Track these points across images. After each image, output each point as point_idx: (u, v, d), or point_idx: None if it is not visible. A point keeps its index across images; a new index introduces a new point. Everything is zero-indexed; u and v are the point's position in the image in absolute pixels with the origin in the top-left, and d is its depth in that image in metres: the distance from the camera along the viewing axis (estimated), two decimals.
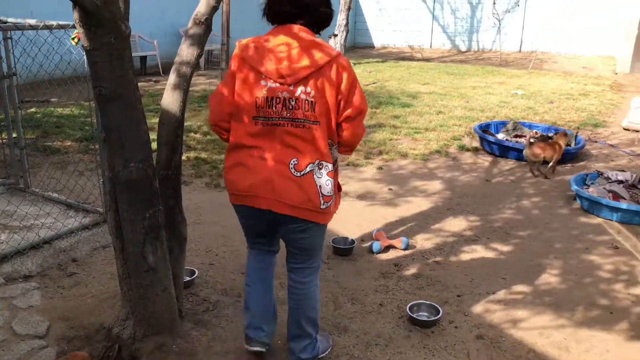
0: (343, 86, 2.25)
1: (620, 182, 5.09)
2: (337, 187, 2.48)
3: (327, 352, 2.73)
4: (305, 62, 2.21)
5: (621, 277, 3.59)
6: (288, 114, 2.24)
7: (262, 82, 2.24)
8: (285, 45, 2.23)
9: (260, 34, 2.32)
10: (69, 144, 6.24)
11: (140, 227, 2.40)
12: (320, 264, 2.59)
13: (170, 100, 2.51)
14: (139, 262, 2.49)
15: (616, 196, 4.74)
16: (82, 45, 2.06)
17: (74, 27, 3.54)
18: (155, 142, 2.60)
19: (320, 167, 2.29)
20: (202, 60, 12.73)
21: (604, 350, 2.83)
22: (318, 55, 2.22)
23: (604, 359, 2.77)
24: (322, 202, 2.31)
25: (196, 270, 3.43)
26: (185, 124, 7.18)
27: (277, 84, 2.23)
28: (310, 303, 2.56)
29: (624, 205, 4.47)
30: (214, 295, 3.26)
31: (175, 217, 2.72)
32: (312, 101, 2.23)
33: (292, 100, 2.23)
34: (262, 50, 2.25)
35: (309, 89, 2.22)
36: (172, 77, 2.52)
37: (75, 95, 7.76)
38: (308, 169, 2.28)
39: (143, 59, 11.92)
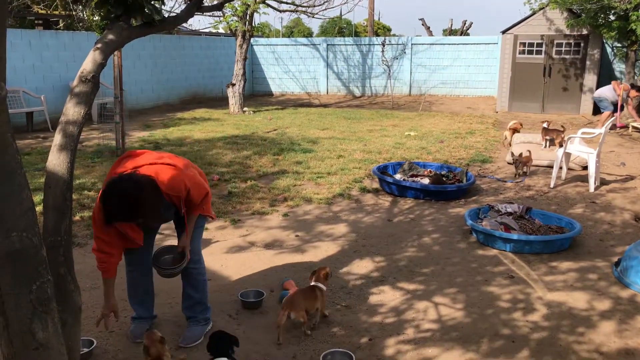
0: None
1: (509, 214, 5.43)
2: None
3: None
4: None
5: (519, 305, 3.79)
6: None
7: None
8: None
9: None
10: None
11: (26, 301, 2.19)
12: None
13: (56, 162, 2.35)
14: (27, 340, 2.25)
15: (507, 228, 5.05)
16: None
17: None
18: (42, 206, 2.42)
19: None
20: (95, 114, 12.25)
21: None
22: None
23: None
24: None
25: (94, 340, 3.19)
26: (79, 181, 6.81)
27: None
28: None
29: (514, 236, 4.77)
30: None
31: (67, 286, 2.52)
32: None
33: None
34: None
35: None
36: (57, 138, 2.37)
37: None
38: None
39: (29, 115, 11.25)
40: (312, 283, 3.48)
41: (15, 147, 2.05)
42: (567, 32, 14.09)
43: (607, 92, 11.59)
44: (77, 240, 4.92)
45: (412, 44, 18.15)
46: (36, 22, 14.53)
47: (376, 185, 6.98)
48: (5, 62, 2.08)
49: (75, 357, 2.61)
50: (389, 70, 17.66)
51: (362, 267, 4.46)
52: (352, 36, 32.49)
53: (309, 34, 42.09)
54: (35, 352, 2.26)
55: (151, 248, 3.36)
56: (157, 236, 4.73)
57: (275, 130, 11.45)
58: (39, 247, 2.19)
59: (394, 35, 31.71)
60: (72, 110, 2.38)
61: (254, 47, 19.64)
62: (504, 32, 14.75)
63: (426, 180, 6.69)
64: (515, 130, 9.66)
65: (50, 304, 2.28)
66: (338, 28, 38.31)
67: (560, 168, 7.22)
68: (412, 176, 7.01)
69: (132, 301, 3.43)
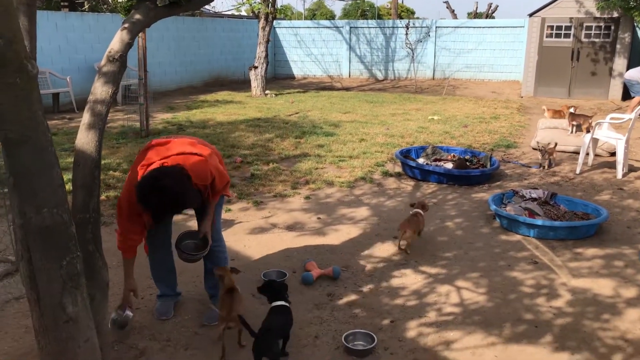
0: None
1: (534, 199, 5.37)
2: None
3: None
4: None
5: (542, 290, 3.76)
6: None
7: None
8: None
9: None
10: None
11: (56, 276, 2.24)
12: None
13: (85, 140, 2.39)
14: (57, 314, 2.31)
15: (531, 213, 4.99)
16: None
17: None
18: (71, 184, 2.47)
19: None
20: (119, 95, 12.37)
21: None
22: None
23: None
24: None
25: None
26: (105, 161, 6.91)
27: None
28: None
29: (539, 221, 4.71)
30: (141, 342, 3.10)
31: (95, 263, 2.57)
32: None
33: None
34: None
35: None
36: (86, 116, 2.41)
37: None
38: None
39: (55, 96, 11.42)
40: (414, 210, 4.53)
41: (46, 124, 2.09)
42: (597, 14, 13.73)
43: (638, 74, 11.30)
44: (103, 219, 5.00)
45: (436, 27, 17.89)
46: (62, 3, 14.67)
47: (399, 169, 6.95)
48: (35, 41, 2.11)
49: (103, 332, 2.67)
50: (413, 54, 17.46)
51: (384, 250, 4.46)
52: (375, 19, 32.14)
53: (331, 16, 41.76)
54: (65, 325, 2.32)
55: (170, 227, 3.40)
56: (182, 216, 4.80)
57: (297, 113, 11.44)
58: (68, 223, 2.24)
59: (417, 18, 31.29)
60: (100, 90, 2.41)
61: (277, 29, 19.56)
62: (531, 14, 14.43)
63: (449, 165, 6.64)
64: (556, 113, 9.44)
65: (80, 279, 2.33)
66: (361, 11, 37.93)
67: (587, 154, 7.09)
68: (435, 160, 6.96)
69: (156, 280, 3.49)
